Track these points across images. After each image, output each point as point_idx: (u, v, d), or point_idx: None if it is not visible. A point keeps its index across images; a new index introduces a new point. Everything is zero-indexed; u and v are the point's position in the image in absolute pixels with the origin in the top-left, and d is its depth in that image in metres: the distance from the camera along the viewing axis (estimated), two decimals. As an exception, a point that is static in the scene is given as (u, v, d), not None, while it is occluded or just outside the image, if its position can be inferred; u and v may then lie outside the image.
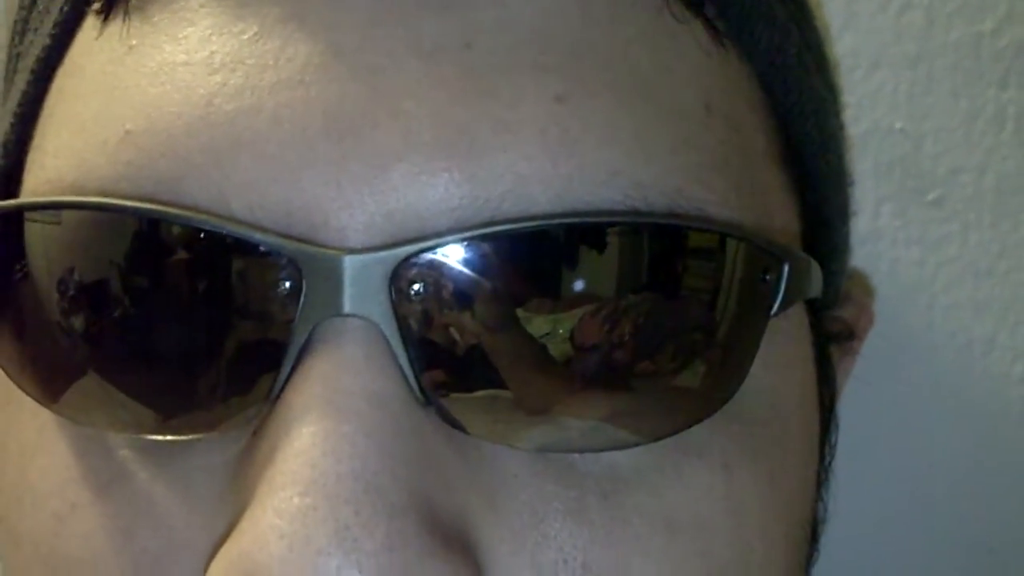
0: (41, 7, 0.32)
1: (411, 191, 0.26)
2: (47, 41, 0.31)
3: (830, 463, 0.36)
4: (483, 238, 0.26)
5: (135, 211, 0.26)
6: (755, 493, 0.29)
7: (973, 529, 0.51)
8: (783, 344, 0.31)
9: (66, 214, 0.27)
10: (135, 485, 0.27)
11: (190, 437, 0.27)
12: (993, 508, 0.50)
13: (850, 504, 0.50)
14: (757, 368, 0.29)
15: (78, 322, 0.27)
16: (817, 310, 0.34)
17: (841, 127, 0.37)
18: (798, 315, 0.32)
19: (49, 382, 0.28)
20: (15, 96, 0.32)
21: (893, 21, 0.49)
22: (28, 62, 0.32)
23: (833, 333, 0.37)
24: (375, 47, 0.27)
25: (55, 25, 0.31)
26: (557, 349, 0.26)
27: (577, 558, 0.26)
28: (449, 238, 0.26)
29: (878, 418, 0.50)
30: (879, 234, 0.49)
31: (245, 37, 0.27)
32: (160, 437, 0.27)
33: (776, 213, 0.31)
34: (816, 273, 0.31)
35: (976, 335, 0.49)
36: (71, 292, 0.27)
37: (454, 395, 0.26)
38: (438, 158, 0.26)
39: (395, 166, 0.26)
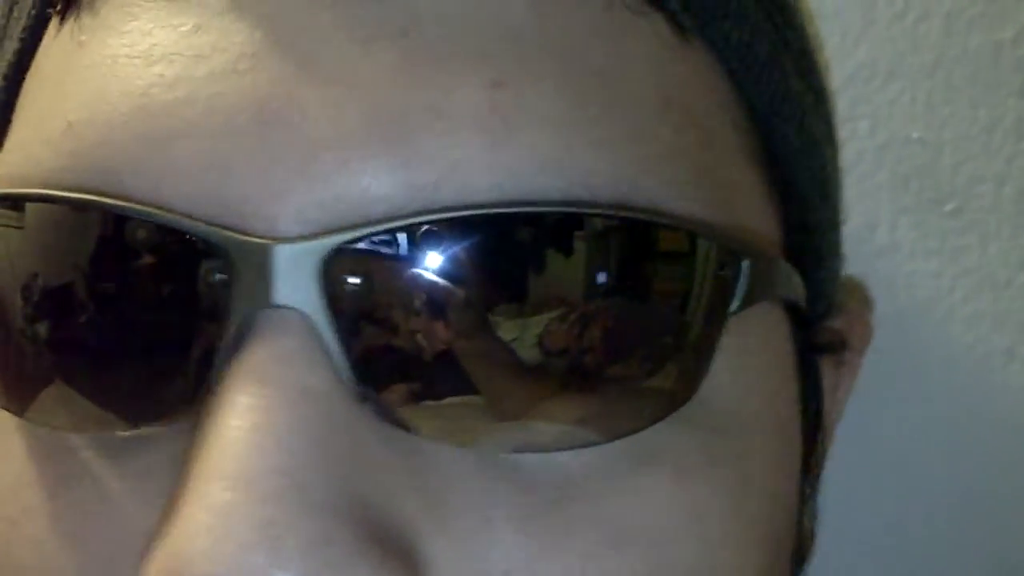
0: (15, 14, 0.33)
1: (342, 179, 0.26)
2: (17, 45, 0.32)
3: (817, 476, 0.36)
4: (415, 226, 0.25)
5: (62, 200, 0.27)
6: (716, 503, 0.28)
7: (992, 546, 0.49)
8: (754, 352, 0.30)
9: (29, 213, 0.27)
10: (88, 485, 0.27)
11: (139, 432, 0.27)
12: (1014, 524, 0.49)
13: (867, 519, 0.49)
14: (722, 375, 0.28)
15: (35, 327, 0.27)
16: (803, 320, 0.33)
17: (830, 132, 0.36)
18: (774, 323, 0.31)
19: (11, 393, 0.28)
20: None
21: (910, 29, 0.48)
22: (2, 69, 0.32)
23: (821, 344, 0.36)
24: (310, 35, 0.27)
25: (24, 29, 0.31)
26: (518, 346, 0.26)
27: (524, 569, 0.26)
28: (380, 227, 0.25)
29: (896, 432, 0.49)
30: (897, 246, 0.49)
31: (184, 29, 0.27)
32: (111, 434, 0.27)
33: (744, 212, 0.30)
34: (789, 275, 0.31)
35: (995, 347, 0.48)
36: (20, 296, 0.27)
37: (393, 391, 0.26)
38: (369, 145, 0.26)
39: (324, 154, 0.26)
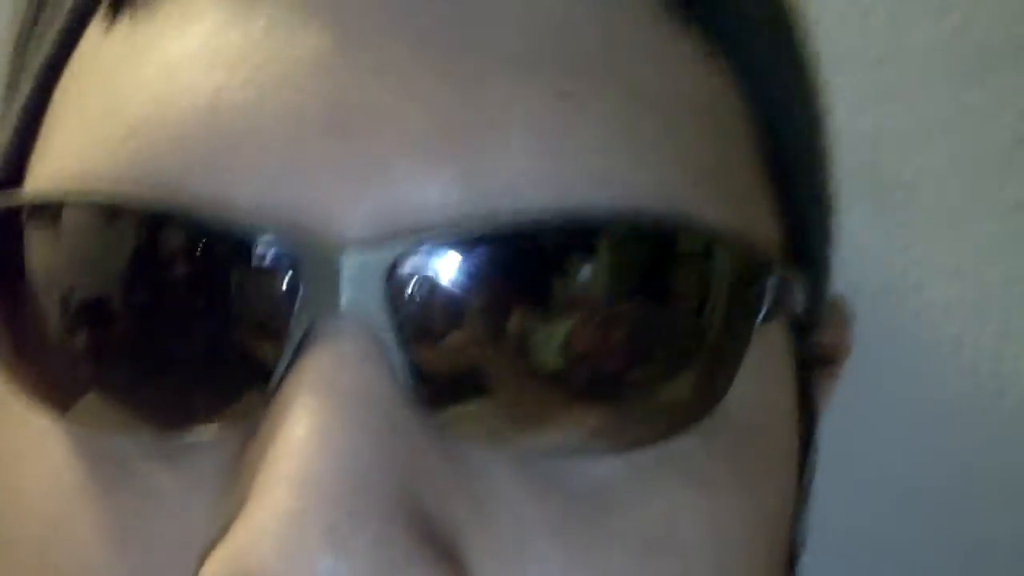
0: (47, 16, 0.32)
1: (409, 188, 0.26)
2: (52, 49, 0.31)
3: (809, 484, 0.36)
4: (476, 238, 0.26)
5: (131, 205, 0.26)
6: (737, 510, 0.28)
7: (960, 531, 0.51)
8: (767, 360, 0.31)
9: (66, 217, 0.27)
10: (132, 491, 0.27)
11: (192, 437, 0.27)
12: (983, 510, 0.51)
13: (838, 509, 0.50)
14: (741, 381, 0.29)
15: (82, 330, 0.27)
16: (798, 332, 0.34)
17: (828, 149, 0.37)
18: (780, 335, 0.32)
19: (57, 393, 0.28)
20: (19, 101, 0.32)
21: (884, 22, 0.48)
22: (32, 69, 0.31)
23: (814, 357, 0.36)
24: (378, 42, 0.27)
25: (61, 31, 0.30)
26: (550, 356, 0.26)
27: None
28: (443, 236, 0.26)
29: (846, 423, 0.50)
30: (850, 233, 0.49)
31: (251, 32, 0.27)
32: (162, 437, 0.27)
33: (761, 226, 0.31)
34: (801, 288, 0.31)
35: (945, 335, 0.50)
36: (74, 298, 0.27)
37: (445, 396, 0.26)
38: (436, 155, 0.26)
39: (395, 163, 0.26)
